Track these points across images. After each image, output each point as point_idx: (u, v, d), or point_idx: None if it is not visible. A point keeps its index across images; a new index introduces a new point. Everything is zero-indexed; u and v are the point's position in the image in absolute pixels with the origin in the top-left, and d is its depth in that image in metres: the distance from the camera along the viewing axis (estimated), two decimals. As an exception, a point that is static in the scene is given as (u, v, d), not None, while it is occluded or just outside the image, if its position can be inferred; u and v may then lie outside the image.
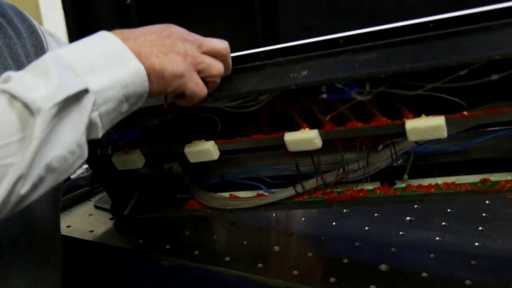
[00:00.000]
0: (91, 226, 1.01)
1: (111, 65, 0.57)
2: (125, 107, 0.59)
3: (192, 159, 0.78)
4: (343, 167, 0.75)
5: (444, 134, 0.63)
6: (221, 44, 0.67)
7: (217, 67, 0.66)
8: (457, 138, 0.70)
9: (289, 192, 0.80)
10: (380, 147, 0.75)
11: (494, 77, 0.61)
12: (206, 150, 0.77)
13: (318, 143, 0.70)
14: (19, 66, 0.73)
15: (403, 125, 0.65)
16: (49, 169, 0.53)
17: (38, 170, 0.52)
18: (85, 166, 1.20)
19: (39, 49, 0.79)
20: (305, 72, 0.65)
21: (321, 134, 0.70)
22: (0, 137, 0.50)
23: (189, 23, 1.23)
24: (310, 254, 0.82)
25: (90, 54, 0.57)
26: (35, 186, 0.52)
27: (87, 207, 1.13)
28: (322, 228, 0.91)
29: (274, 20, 1.19)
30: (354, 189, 0.77)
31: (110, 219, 1.03)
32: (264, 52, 0.68)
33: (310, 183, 0.79)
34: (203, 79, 0.66)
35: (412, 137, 0.65)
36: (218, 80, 0.67)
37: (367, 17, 1.10)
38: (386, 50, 0.60)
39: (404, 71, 0.58)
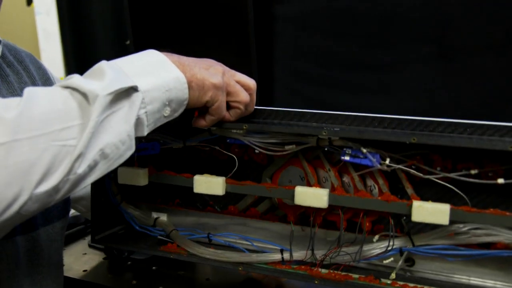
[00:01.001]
0: (85, 266, 1.00)
1: (156, 71, 0.65)
2: (167, 111, 0.66)
3: (198, 188, 0.80)
4: (338, 242, 0.76)
5: (446, 220, 0.67)
6: (250, 80, 0.77)
7: (244, 95, 0.74)
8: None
9: (275, 256, 0.79)
10: (376, 238, 0.77)
11: (500, 181, 0.68)
12: (216, 182, 0.79)
13: (326, 201, 0.73)
14: None
15: (410, 205, 0.69)
16: (103, 154, 0.59)
17: (93, 154, 0.57)
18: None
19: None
20: (338, 129, 0.72)
21: (330, 196, 0.74)
22: (63, 121, 0.56)
23: None
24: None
25: (137, 63, 0.66)
26: (90, 169, 0.58)
27: (81, 246, 1.11)
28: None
29: (270, 65, 1.27)
30: (339, 271, 0.76)
31: (104, 258, 1.02)
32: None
33: (299, 254, 0.78)
34: (228, 103, 0.74)
35: (415, 216, 0.69)
36: (242, 107, 0.75)
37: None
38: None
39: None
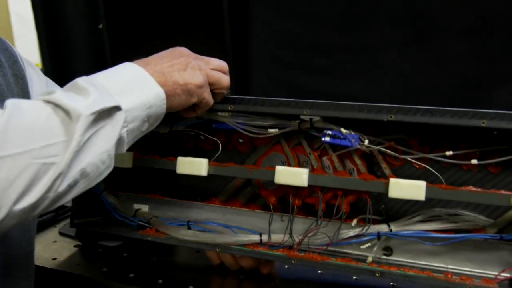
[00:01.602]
0: (55, 254, 0.98)
1: (137, 88, 0.66)
2: (145, 126, 0.67)
3: (181, 168, 0.81)
4: (316, 221, 0.76)
5: (422, 195, 0.69)
6: (222, 62, 0.79)
7: (226, 80, 0.78)
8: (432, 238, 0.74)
9: (253, 238, 0.79)
10: (354, 222, 0.77)
11: (474, 161, 0.71)
12: (199, 163, 0.80)
13: (305, 179, 0.74)
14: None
15: (387, 184, 0.71)
16: (83, 173, 0.59)
17: (74, 173, 0.58)
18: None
19: (20, 79, 0.82)
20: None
21: (310, 176, 0.75)
22: (46, 138, 0.56)
23: (159, 48, 1.30)
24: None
25: (119, 80, 0.66)
26: (70, 187, 0.58)
27: (51, 234, 1.08)
28: None
29: (245, 50, 1.24)
30: (317, 252, 0.76)
31: (75, 246, 1.00)
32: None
33: (277, 237, 0.79)
34: (211, 91, 0.77)
35: (392, 191, 0.70)
36: (225, 92, 0.79)
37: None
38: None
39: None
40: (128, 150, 0.84)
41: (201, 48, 1.20)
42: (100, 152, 0.60)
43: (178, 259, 0.96)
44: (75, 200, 0.91)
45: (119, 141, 0.63)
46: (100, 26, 1.33)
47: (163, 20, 1.25)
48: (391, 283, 0.82)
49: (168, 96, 0.69)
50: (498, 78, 1.00)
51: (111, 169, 0.63)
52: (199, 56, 0.77)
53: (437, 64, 1.04)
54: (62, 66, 1.46)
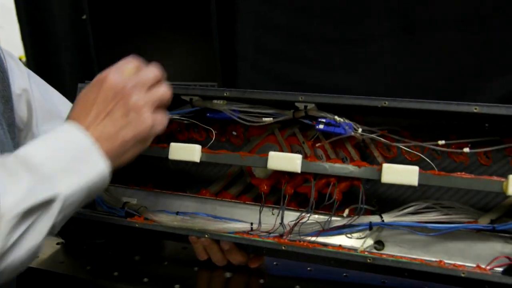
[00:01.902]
0: None
1: (79, 166, 0.59)
2: (84, 203, 0.62)
3: (173, 154, 0.80)
4: (310, 208, 0.75)
5: (415, 180, 0.69)
6: (156, 71, 0.69)
7: (166, 92, 0.69)
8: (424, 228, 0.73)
9: (243, 225, 0.77)
10: (346, 212, 0.77)
11: (466, 150, 0.71)
12: (191, 148, 0.80)
13: (298, 164, 0.74)
14: None
15: (380, 170, 0.71)
16: (8, 269, 0.55)
17: None
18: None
19: (0, 71, 0.81)
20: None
21: (303, 163, 0.75)
22: None
23: (144, 38, 1.26)
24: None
25: (56, 154, 0.58)
26: None
27: None
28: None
29: (232, 40, 1.21)
30: (308, 241, 0.75)
31: (57, 243, 0.98)
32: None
33: (268, 226, 0.77)
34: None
35: (385, 176, 0.70)
36: (169, 101, 0.70)
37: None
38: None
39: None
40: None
41: (187, 39, 1.20)
42: (29, 248, 0.55)
43: (164, 256, 0.94)
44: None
45: (51, 229, 0.58)
46: (84, 17, 1.32)
47: (147, 11, 1.25)
48: (382, 280, 0.81)
49: (118, 156, 0.64)
50: (491, 70, 1.02)
51: (37, 256, 0.64)
52: (132, 80, 0.66)
53: (429, 56, 1.04)
54: (45, 58, 1.43)
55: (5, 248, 0.52)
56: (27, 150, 0.58)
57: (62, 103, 0.96)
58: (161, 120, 0.68)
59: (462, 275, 0.65)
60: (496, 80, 1.02)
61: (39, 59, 1.28)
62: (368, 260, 0.70)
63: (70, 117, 0.64)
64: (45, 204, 0.55)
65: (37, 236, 0.56)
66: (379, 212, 0.76)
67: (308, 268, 0.85)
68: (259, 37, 1.22)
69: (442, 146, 0.73)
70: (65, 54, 1.44)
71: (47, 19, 1.40)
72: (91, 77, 1.40)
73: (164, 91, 0.68)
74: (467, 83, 1.04)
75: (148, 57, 1.29)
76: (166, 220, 0.80)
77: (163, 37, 1.23)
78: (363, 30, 1.09)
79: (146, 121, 0.64)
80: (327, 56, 1.14)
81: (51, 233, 0.58)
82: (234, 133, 0.86)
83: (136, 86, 0.65)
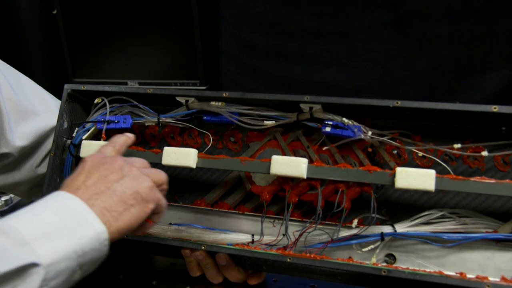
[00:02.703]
0: None
1: (68, 226, 0.49)
2: (77, 276, 0.51)
3: (166, 159, 0.74)
4: (317, 216, 0.69)
5: (432, 185, 0.64)
6: (162, 174, 0.62)
7: (162, 173, 0.62)
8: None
9: (243, 237, 0.71)
10: (355, 222, 0.71)
11: (484, 153, 0.67)
12: (187, 153, 0.74)
13: (304, 169, 0.68)
14: None
15: (392, 174, 0.66)
16: None
17: None
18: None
19: None
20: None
21: (309, 168, 0.69)
22: None
23: (121, 35, 1.16)
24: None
25: (41, 216, 0.49)
26: None
27: None
28: None
29: (214, 37, 1.14)
30: (315, 252, 0.68)
31: None
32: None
33: (271, 237, 0.71)
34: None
35: (399, 181, 0.65)
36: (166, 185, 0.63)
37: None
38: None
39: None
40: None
41: (167, 35, 1.14)
42: None
43: (152, 274, 0.86)
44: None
45: None
46: (54, 11, 1.23)
47: (124, 5, 1.15)
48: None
49: (115, 220, 0.53)
50: (482, 63, 0.97)
51: None
52: (120, 159, 0.60)
53: (418, 50, 0.99)
54: (13, 55, 1.34)
55: None
56: (5, 218, 0.49)
57: (35, 94, 0.89)
58: (162, 199, 0.60)
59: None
60: (488, 75, 0.98)
61: (7, 57, 1.20)
62: (383, 273, 0.64)
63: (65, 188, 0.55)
64: (20, 273, 0.45)
65: None
66: (390, 222, 0.71)
67: (311, 285, 0.79)
68: (242, 32, 1.14)
69: (458, 150, 0.68)
70: (35, 52, 1.35)
71: (14, 14, 1.30)
72: (63, 76, 1.31)
73: (158, 171, 0.62)
74: (458, 78, 0.99)
75: (126, 54, 1.23)
76: (159, 231, 0.73)
77: (141, 33, 1.15)
78: (350, 23, 1.03)
79: (145, 179, 0.57)
80: (313, 51, 1.07)
81: None
82: (232, 139, 0.81)
83: (126, 162, 0.60)
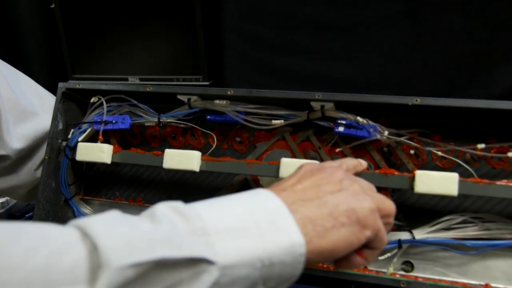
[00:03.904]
0: None
1: (258, 227, 0.40)
2: None
3: (168, 162, 0.69)
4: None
5: (455, 189, 0.59)
6: (392, 205, 0.50)
7: (392, 204, 0.49)
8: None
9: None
10: (371, 228, 0.66)
11: (510, 154, 0.62)
12: (190, 156, 0.69)
13: (316, 172, 0.64)
14: None
15: (411, 178, 0.61)
16: None
17: None
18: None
19: None
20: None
21: (320, 170, 0.64)
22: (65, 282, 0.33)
23: (121, 29, 1.12)
24: None
25: (233, 209, 0.41)
26: None
27: None
28: None
29: (218, 30, 1.09)
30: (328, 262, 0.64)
31: None
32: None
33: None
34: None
35: (419, 185, 0.60)
36: (393, 221, 0.51)
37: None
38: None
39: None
40: (107, 143, 0.75)
41: (168, 28, 1.08)
42: None
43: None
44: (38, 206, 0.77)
45: None
46: (52, 5, 1.18)
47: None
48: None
49: (318, 236, 0.43)
50: (499, 55, 0.92)
51: None
52: (342, 172, 0.50)
53: (431, 43, 0.93)
54: (11, 51, 1.29)
55: None
56: (193, 203, 0.41)
57: (34, 93, 0.84)
58: (384, 227, 0.48)
59: (516, 300, 0.55)
60: (505, 68, 0.93)
61: (4, 53, 1.14)
62: (402, 285, 0.59)
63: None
64: (189, 267, 0.36)
65: None
66: (408, 227, 0.66)
67: (321, 293, 0.74)
68: (247, 25, 1.07)
69: (481, 150, 0.63)
70: (33, 48, 1.30)
71: (11, 9, 1.25)
72: (62, 72, 1.26)
73: (387, 200, 0.49)
74: (473, 71, 0.94)
75: (126, 49, 1.18)
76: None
77: (142, 27, 1.09)
78: (360, 15, 0.97)
79: (367, 199, 0.46)
80: (322, 44, 1.02)
81: None
82: (238, 139, 0.76)
83: (352, 179, 0.49)
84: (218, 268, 0.37)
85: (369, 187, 0.50)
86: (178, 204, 0.40)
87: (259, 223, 0.40)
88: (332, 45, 1.01)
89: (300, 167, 0.50)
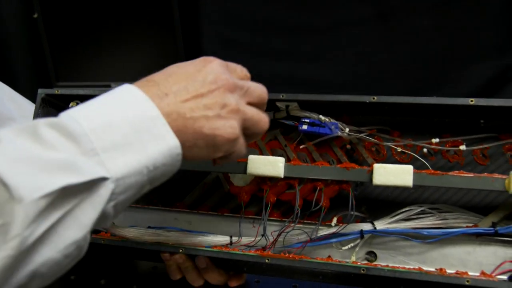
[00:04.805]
0: None
1: (140, 140, 0.45)
2: (146, 189, 0.48)
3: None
4: (295, 216, 0.68)
5: (410, 181, 0.63)
6: (264, 91, 0.57)
7: (265, 123, 0.55)
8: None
9: (221, 239, 0.70)
10: (334, 220, 0.70)
11: (462, 147, 0.66)
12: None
13: (281, 168, 0.67)
14: None
15: (370, 171, 0.65)
16: (34, 276, 0.40)
17: (16, 279, 0.39)
18: None
19: None
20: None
21: (286, 167, 0.68)
22: None
23: (103, 36, 1.15)
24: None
25: (113, 121, 0.45)
26: None
27: None
28: None
29: (196, 35, 1.11)
30: (294, 252, 0.67)
31: None
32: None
33: (249, 238, 0.70)
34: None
35: (377, 178, 0.64)
36: (258, 137, 0.58)
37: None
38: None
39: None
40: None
41: (149, 35, 1.12)
42: (64, 246, 0.41)
43: (133, 278, 0.85)
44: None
45: (101, 218, 0.44)
46: (35, 15, 1.20)
47: (105, 6, 1.12)
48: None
49: (183, 148, 0.48)
50: (468, 55, 0.96)
51: (79, 258, 0.45)
52: (236, 81, 0.54)
53: (403, 44, 0.97)
54: None
55: (27, 242, 0.37)
56: (75, 112, 0.45)
57: (11, 99, 0.87)
58: (241, 146, 0.54)
59: (467, 283, 0.59)
60: (474, 67, 0.97)
61: None
62: (362, 271, 0.63)
63: (144, 80, 0.51)
64: (90, 185, 0.41)
65: (76, 228, 0.41)
66: (370, 219, 0.70)
67: (293, 285, 0.78)
68: (225, 30, 1.11)
69: (436, 144, 0.67)
70: (17, 57, 1.33)
71: None
72: (46, 80, 1.30)
73: (263, 118, 0.55)
74: (444, 71, 0.98)
75: (108, 57, 1.21)
76: (135, 235, 0.72)
77: (123, 34, 1.13)
78: (333, 17, 1.01)
79: (232, 129, 0.51)
80: (297, 47, 1.05)
81: (102, 225, 0.46)
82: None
83: (240, 88, 0.53)
84: (112, 181, 0.43)
85: (243, 91, 0.54)
86: (60, 122, 0.43)
87: (142, 137, 0.45)
88: (305, 47, 1.05)
89: (205, 64, 0.54)
